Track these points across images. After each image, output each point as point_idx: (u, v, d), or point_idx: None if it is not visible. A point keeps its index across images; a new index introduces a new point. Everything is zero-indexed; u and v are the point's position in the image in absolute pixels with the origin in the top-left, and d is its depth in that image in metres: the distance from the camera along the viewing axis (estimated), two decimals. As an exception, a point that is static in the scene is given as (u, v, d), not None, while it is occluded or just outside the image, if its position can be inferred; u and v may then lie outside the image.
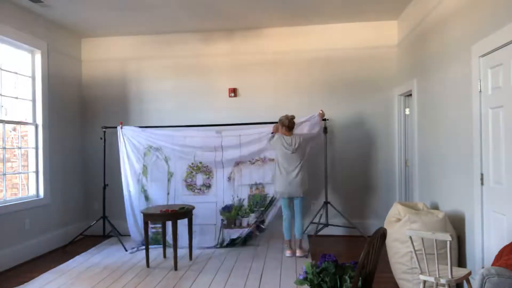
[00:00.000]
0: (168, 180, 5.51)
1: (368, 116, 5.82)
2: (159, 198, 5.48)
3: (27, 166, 5.23)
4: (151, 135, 5.52)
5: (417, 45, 4.79)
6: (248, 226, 5.36)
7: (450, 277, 2.72)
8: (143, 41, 6.20)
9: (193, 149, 5.44)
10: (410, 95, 5.10)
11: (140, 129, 5.57)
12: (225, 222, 5.40)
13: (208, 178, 5.49)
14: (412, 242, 2.94)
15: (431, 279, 2.78)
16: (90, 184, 6.23)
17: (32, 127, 5.24)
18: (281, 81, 5.92)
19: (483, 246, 3.19)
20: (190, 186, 5.50)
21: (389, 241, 3.70)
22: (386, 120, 5.78)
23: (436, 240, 2.75)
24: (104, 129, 5.75)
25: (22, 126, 5.17)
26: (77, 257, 4.98)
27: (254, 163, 5.44)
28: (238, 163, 5.45)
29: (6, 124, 4.86)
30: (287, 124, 4.80)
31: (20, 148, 5.16)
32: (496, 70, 2.98)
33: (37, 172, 5.26)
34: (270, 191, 5.34)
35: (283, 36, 5.94)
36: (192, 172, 5.50)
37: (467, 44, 3.40)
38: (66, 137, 5.85)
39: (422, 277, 2.84)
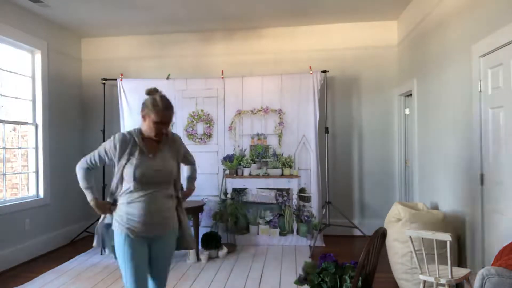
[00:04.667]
0: None
1: (368, 116, 5.82)
2: None
3: (27, 166, 5.23)
4: (152, 83, 5.55)
5: (417, 45, 4.79)
6: (250, 176, 5.39)
7: (450, 277, 2.72)
8: (143, 41, 6.20)
9: (194, 98, 5.51)
10: (410, 95, 5.10)
11: (141, 79, 5.65)
12: (227, 171, 5.41)
13: (209, 127, 5.50)
14: (412, 242, 2.94)
15: (431, 279, 2.78)
16: (90, 184, 6.21)
17: (32, 127, 5.23)
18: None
19: (483, 246, 3.19)
20: (191, 135, 5.52)
21: (389, 241, 3.70)
22: (386, 120, 5.78)
23: (436, 240, 2.75)
24: (103, 82, 5.77)
25: (22, 126, 5.17)
26: (77, 257, 4.98)
27: (255, 113, 5.44)
28: (239, 112, 5.46)
29: (6, 124, 4.86)
30: None
31: (20, 148, 5.16)
32: (496, 70, 2.98)
33: (37, 172, 5.26)
34: (272, 142, 5.36)
35: (283, 36, 5.94)
36: (193, 121, 5.53)
37: (467, 44, 3.40)
38: (66, 137, 5.85)
39: (422, 277, 2.85)
